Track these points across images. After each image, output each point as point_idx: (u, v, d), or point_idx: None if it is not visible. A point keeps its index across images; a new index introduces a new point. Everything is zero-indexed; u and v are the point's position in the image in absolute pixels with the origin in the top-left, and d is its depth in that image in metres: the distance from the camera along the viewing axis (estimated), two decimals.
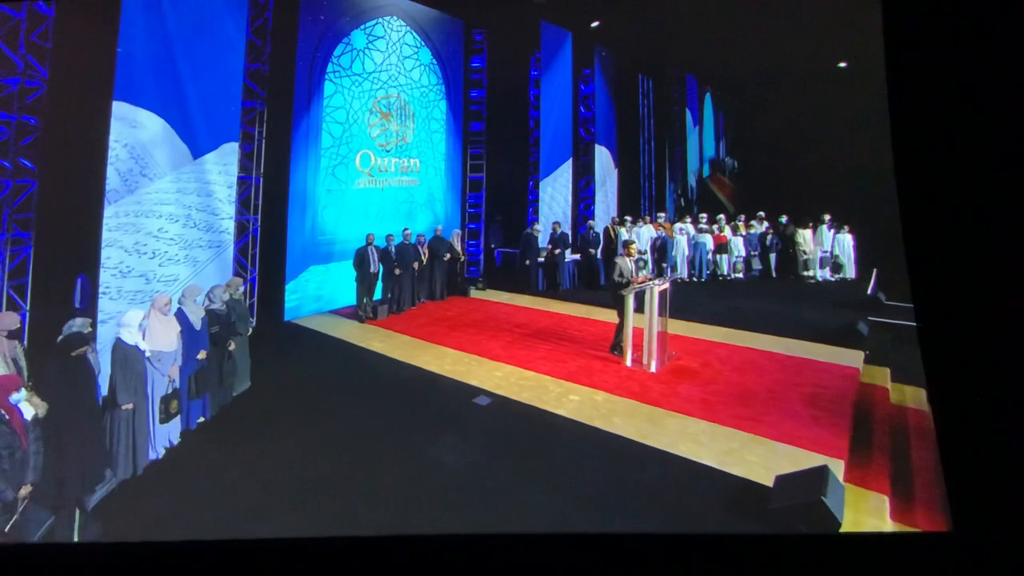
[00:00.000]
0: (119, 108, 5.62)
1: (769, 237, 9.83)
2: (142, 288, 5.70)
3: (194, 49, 6.25)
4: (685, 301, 8.00)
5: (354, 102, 8.37)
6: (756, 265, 9.86)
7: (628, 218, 10.40)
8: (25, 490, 3.56)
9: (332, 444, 4.59)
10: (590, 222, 10.10)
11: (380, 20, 8.63)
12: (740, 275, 9.79)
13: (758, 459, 4.18)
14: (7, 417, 3.56)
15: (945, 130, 4.55)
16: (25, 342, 4.71)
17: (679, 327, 6.70)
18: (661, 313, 6.03)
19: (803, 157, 10.07)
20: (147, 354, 4.51)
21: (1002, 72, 4.41)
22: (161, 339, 4.63)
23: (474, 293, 9.13)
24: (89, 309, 5.31)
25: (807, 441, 4.41)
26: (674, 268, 9.42)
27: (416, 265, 8.24)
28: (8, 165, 5.13)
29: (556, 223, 9.70)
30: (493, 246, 10.49)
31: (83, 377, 4.09)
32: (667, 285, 6.25)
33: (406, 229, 8.37)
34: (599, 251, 9.63)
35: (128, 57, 5.64)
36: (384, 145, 8.78)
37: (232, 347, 5.31)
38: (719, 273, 9.83)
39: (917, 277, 4.65)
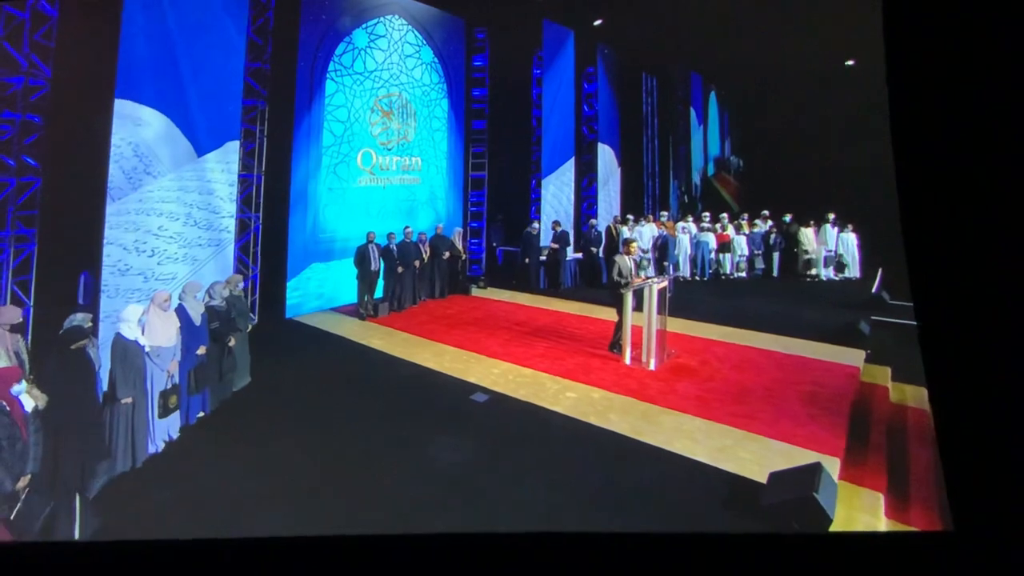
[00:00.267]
0: (123, 106, 5.69)
1: (773, 236, 9.79)
2: (140, 286, 5.76)
3: (195, 49, 6.31)
4: (687, 300, 8.00)
5: (355, 100, 8.41)
6: (759, 264, 9.82)
7: (630, 217, 10.40)
8: (24, 480, 3.62)
9: (331, 440, 4.62)
10: (592, 221, 10.10)
11: (381, 19, 8.66)
12: (743, 274, 9.75)
13: (751, 456, 4.17)
14: (8, 408, 3.62)
15: (945, 130, 4.51)
16: (29, 338, 4.79)
17: (680, 325, 6.71)
18: (660, 311, 6.02)
19: (807, 156, 10.01)
20: (146, 349, 4.56)
21: (1003, 72, 4.37)
22: (160, 335, 4.67)
23: (475, 291, 9.16)
24: (92, 305, 5.39)
25: (803, 439, 4.40)
26: (676, 267, 9.40)
27: (417, 263, 8.27)
28: (12, 163, 5.21)
29: (556, 222, 9.73)
30: (495, 244, 10.52)
31: (82, 370, 4.14)
32: (666, 283, 6.24)
33: (407, 227, 8.41)
34: (601, 250, 9.63)
35: (130, 57, 5.71)
36: (385, 143, 8.82)
37: (232, 343, 5.35)
38: (722, 272, 9.80)
39: (917, 276, 4.61)
